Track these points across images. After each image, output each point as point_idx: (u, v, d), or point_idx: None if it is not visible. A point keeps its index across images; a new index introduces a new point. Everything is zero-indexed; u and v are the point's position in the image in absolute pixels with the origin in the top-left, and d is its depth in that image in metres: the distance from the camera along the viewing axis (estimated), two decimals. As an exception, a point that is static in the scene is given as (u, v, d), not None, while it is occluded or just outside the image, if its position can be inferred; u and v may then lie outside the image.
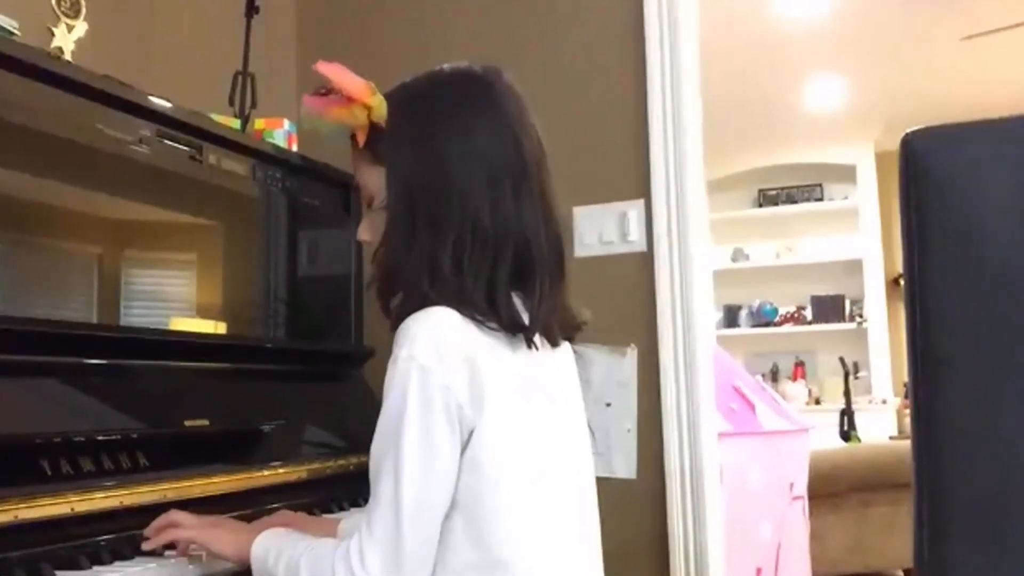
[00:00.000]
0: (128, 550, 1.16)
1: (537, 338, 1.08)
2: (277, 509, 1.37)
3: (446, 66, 1.16)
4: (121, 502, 1.18)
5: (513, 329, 1.06)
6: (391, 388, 1.03)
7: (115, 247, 1.44)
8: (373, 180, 1.13)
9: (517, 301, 1.08)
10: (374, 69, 1.18)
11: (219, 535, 1.16)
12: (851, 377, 5.15)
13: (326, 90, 1.13)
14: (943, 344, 0.88)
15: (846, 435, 4.74)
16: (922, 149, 0.91)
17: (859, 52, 4.83)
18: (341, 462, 1.58)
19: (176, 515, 1.18)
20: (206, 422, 1.42)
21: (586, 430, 1.19)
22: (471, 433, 1.02)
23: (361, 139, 1.13)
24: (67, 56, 1.43)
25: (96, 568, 1.10)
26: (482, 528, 1.03)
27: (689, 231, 2.07)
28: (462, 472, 1.02)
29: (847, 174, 6.31)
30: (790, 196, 6.53)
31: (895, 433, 5.69)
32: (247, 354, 1.66)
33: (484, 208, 1.07)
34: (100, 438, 1.24)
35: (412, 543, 1.00)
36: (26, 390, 1.21)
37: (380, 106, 1.12)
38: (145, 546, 1.15)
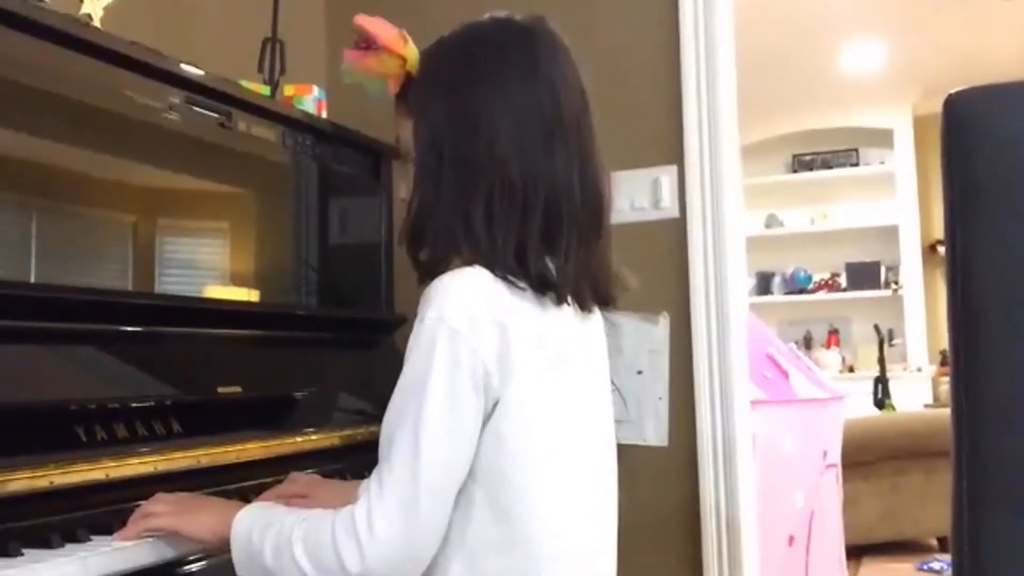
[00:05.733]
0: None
1: (569, 299, 1.05)
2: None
3: (487, 16, 1.12)
4: (155, 468, 1.19)
5: (542, 287, 1.02)
6: (416, 348, 0.99)
7: (148, 215, 1.44)
8: (408, 132, 1.10)
9: (549, 260, 1.04)
10: (408, 31, 1.16)
11: (195, 519, 1.07)
12: (886, 345, 5.10)
13: (366, 44, 1.11)
14: (985, 309, 0.86)
15: (880, 403, 4.71)
16: (966, 110, 0.89)
17: (897, 13, 4.72)
18: (373, 428, 1.56)
19: (151, 505, 1.09)
20: (239, 389, 1.43)
21: (610, 400, 1.17)
22: (495, 404, 0.99)
23: (393, 88, 1.11)
24: (96, 23, 1.43)
25: (132, 532, 1.11)
26: (505, 502, 0.99)
27: (722, 197, 2.04)
28: (484, 444, 0.99)
29: (884, 139, 6.21)
30: (825, 161, 6.44)
31: (930, 401, 5.63)
32: (279, 321, 1.67)
33: (512, 157, 1.02)
34: (135, 405, 1.25)
35: (428, 512, 0.95)
36: (62, 357, 1.23)
37: (413, 55, 1.10)
38: (117, 538, 1.06)
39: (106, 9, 1.44)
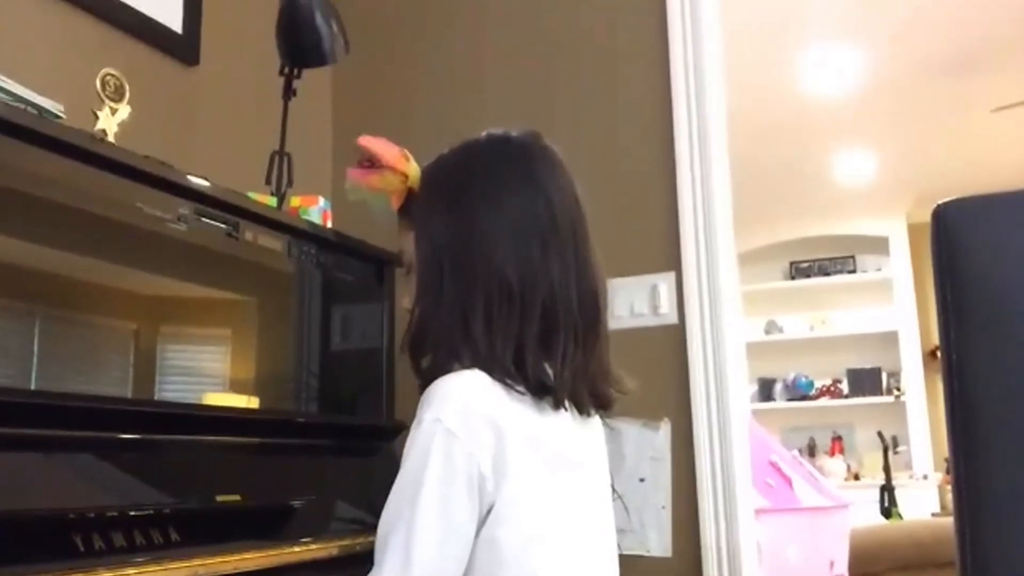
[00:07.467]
0: (158, 628, 1.15)
1: (567, 403, 1.06)
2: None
3: (484, 133, 1.17)
4: (152, 579, 1.17)
5: (540, 391, 1.03)
6: (412, 450, 0.99)
7: (152, 323, 1.46)
8: (411, 245, 1.14)
9: (546, 365, 1.06)
10: (408, 149, 1.21)
11: None
12: (890, 452, 5.04)
13: (369, 163, 1.16)
14: (982, 417, 0.86)
15: (887, 512, 4.63)
16: (954, 220, 0.91)
17: (889, 124, 4.85)
18: (371, 538, 1.55)
19: None
20: (238, 497, 1.42)
21: (610, 506, 1.16)
22: (490, 509, 0.99)
23: (396, 203, 1.16)
24: (110, 138, 1.47)
25: (125, 646, 1.09)
26: None
27: (721, 303, 2.06)
28: (479, 550, 0.98)
29: (879, 246, 6.29)
30: (822, 268, 6.50)
31: (938, 510, 5.54)
32: (279, 428, 1.66)
33: (510, 264, 1.05)
34: (133, 513, 1.24)
35: None
36: (61, 465, 1.22)
37: (415, 172, 1.15)
38: None
39: (120, 125, 1.49)
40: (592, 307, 1.10)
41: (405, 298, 1.17)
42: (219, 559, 1.28)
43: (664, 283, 2.11)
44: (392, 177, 1.14)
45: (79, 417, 1.25)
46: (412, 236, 1.14)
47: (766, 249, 6.30)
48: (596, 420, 1.17)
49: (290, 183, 1.97)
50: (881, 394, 6.20)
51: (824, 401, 6.33)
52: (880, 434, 5.15)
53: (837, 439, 6.22)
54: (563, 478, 1.06)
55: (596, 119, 2.24)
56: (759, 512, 2.14)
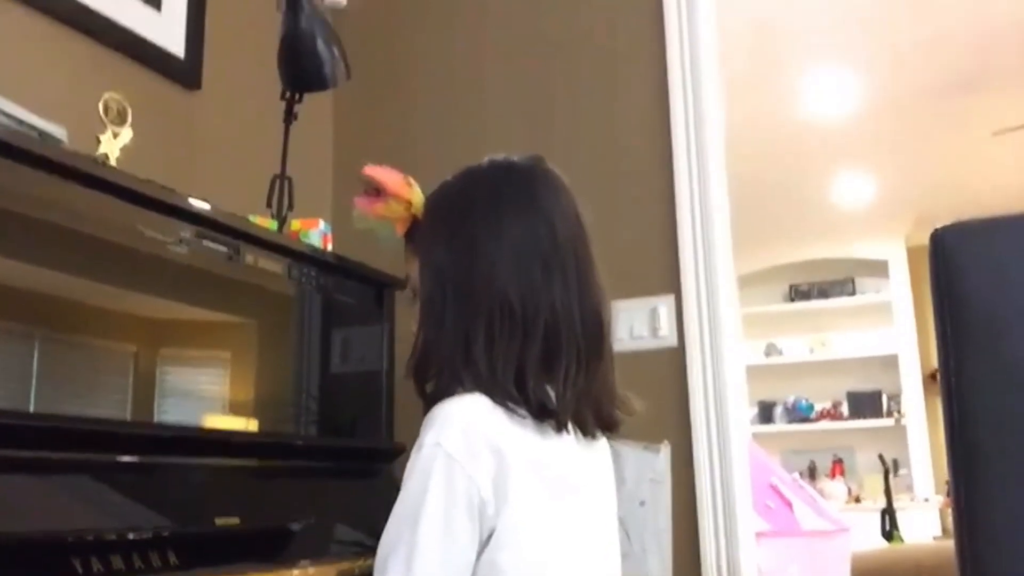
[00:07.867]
0: (156, 652, 1.14)
1: (570, 426, 1.06)
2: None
3: (486, 159, 1.18)
4: (150, 602, 1.17)
5: (541, 415, 1.03)
6: (413, 473, 0.99)
7: (151, 345, 1.46)
8: (416, 271, 1.14)
9: (548, 387, 1.05)
10: (408, 173, 1.22)
11: None
12: (891, 475, 5.03)
13: (375, 191, 1.17)
14: (982, 441, 0.86)
15: (888, 535, 4.61)
16: (952, 244, 0.92)
17: (888, 147, 4.87)
18: (369, 561, 1.55)
19: None
20: (237, 520, 1.41)
21: (615, 530, 1.16)
22: (491, 534, 0.98)
23: (400, 230, 1.17)
24: (112, 162, 1.48)
25: (123, 671, 1.08)
26: None
27: (720, 326, 2.06)
28: (480, 573, 0.98)
29: (879, 268, 6.30)
30: (822, 291, 6.51)
31: (939, 533, 5.51)
32: (278, 451, 1.66)
33: (512, 286, 1.05)
34: (131, 536, 1.23)
35: None
36: (59, 487, 1.22)
37: (418, 198, 1.16)
38: None
39: (123, 149, 1.49)
40: (595, 327, 1.10)
41: (413, 323, 1.17)
42: (217, 583, 1.28)
43: (664, 306, 2.12)
44: (396, 205, 1.16)
45: (78, 439, 1.25)
46: (415, 262, 1.14)
47: (766, 272, 6.30)
48: (602, 442, 1.16)
49: (291, 206, 1.97)
50: (881, 417, 6.19)
51: (824, 424, 6.31)
52: (881, 457, 5.14)
53: (838, 462, 6.20)
54: (565, 502, 1.05)
55: (597, 141, 2.25)
56: (759, 535, 2.13)
